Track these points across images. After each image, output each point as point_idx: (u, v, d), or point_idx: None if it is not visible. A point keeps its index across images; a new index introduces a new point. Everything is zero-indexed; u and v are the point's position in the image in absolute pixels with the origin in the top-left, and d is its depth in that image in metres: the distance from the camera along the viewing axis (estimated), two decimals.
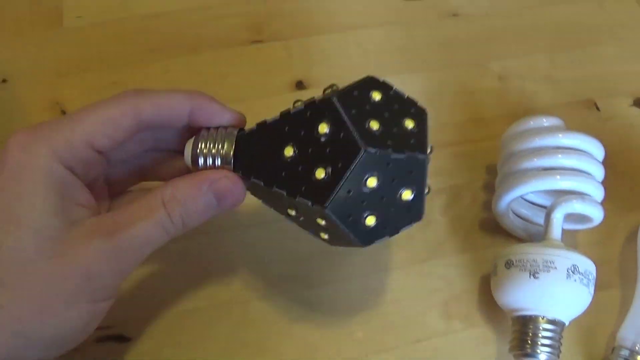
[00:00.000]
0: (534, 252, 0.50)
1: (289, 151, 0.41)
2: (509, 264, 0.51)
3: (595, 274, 0.51)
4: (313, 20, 0.72)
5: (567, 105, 0.68)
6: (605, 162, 0.55)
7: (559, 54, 0.72)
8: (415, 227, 0.54)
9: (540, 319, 0.49)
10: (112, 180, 0.48)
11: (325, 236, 0.44)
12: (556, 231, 0.52)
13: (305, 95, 0.47)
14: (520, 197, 0.54)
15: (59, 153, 0.40)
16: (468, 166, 0.62)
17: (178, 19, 0.70)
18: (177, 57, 0.67)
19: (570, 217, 0.54)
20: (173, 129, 0.47)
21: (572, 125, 0.58)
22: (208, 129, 0.45)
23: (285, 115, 0.43)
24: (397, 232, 0.43)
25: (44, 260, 0.38)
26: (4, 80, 0.65)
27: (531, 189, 0.53)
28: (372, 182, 0.40)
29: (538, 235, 0.57)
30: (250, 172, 0.43)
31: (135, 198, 0.45)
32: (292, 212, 0.43)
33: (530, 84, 0.69)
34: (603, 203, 0.54)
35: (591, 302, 0.51)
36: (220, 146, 0.44)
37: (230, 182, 0.43)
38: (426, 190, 0.44)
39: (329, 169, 0.40)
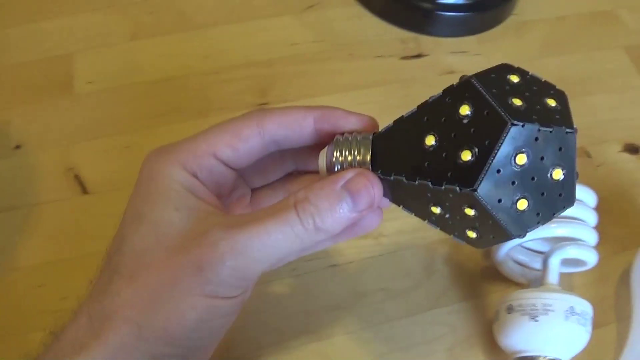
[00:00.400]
0: (533, 297, 0.53)
1: (430, 140, 0.38)
2: (510, 309, 0.53)
3: (592, 314, 0.54)
4: (316, 82, 0.74)
5: None
6: (599, 207, 0.58)
7: None
8: (420, 276, 0.57)
9: (541, 359, 0.52)
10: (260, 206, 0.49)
11: (473, 234, 0.40)
12: (553, 276, 0.55)
13: None
14: (518, 245, 0.57)
15: (183, 161, 0.41)
16: None
17: (186, 84, 0.73)
18: (186, 121, 0.69)
19: (566, 262, 0.57)
20: (308, 149, 0.46)
21: None
22: (342, 135, 0.43)
23: (422, 105, 0.40)
24: (551, 218, 0.39)
25: (161, 250, 0.39)
26: (18, 147, 0.67)
27: (529, 238, 0.55)
28: (521, 159, 0.36)
29: (536, 280, 0.59)
30: (390, 170, 0.40)
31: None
32: (437, 210, 0.40)
33: None
34: (597, 246, 0.56)
35: (590, 340, 0.53)
36: (356, 152, 0.42)
37: (366, 178, 0.40)
38: (576, 172, 0.39)
39: (475, 149, 0.36)
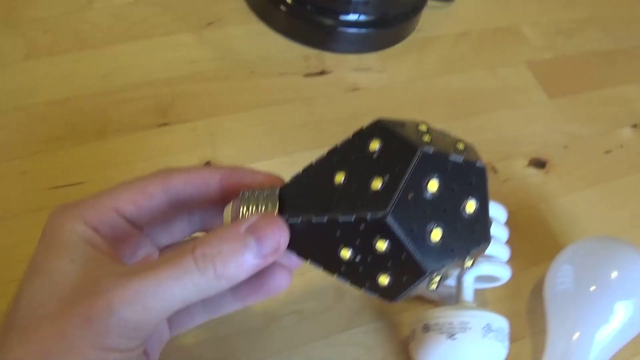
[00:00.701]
0: (449, 315, 0.52)
1: (339, 177, 0.38)
2: (426, 328, 0.52)
3: (508, 329, 0.53)
4: (218, 101, 0.73)
5: None
6: (507, 222, 0.58)
7: (456, 122, 0.75)
8: (332, 297, 0.56)
9: None
10: None
11: (386, 280, 0.38)
12: (468, 293, 0.55)
13: None
14: None
15: (84, 215, 0.40)
16: None
17: (84, 105, 0.70)
18: (83, 144, 0.67)
19: (480, 278, 0.56)
20: (215, 207, 0.45)
21: None
22: (248, 190, 0.42)
23: (332, 150, 0.40)
24: (468, 256, 0.38)
25: (53, 302, 0.37)
26: None
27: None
28: (433, 185, 0.36)
29: (449, 297, 0.59)
30: (298, 213, 0.39)
31: None
32: (347, 254, 0.38)
33: None
34: (508, 261, 0.56)
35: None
36: (262, 207, 0.40)
37: (271, 221, 0.38)
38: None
39: (387, 176, 0.36)
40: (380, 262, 0.37)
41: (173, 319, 0.46)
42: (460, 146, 0.39)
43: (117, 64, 0.74)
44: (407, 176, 0.35)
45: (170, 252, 0.38)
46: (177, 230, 0.48)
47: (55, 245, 0.39)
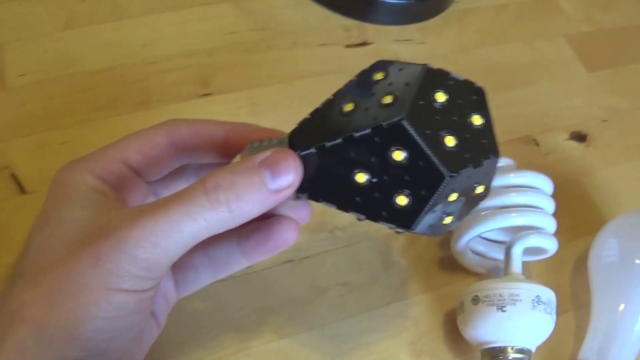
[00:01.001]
0: (499, 287, 0.52)
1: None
2: (475, 300, 0.52)
3: (555, 302, 0.54)
4: (259, 71, 0.72)
5: (508, 143, 0.71)
6: (552, 194, 0.58)
7: (496, 94, 0.74)
8: (378, 269, 0.58)
9: (510, 349, 0.51)
10: None
11: (404, 200, 0.38)
12: (517, 265, 0.55)
13: None
14: (477, 235, 0.56)
15: (91, 167, 0.40)
16: None
17: (124, 75, 0.70)
18: (125, 114, 0.66)
19: (527, 250, 0.56)
20: (221, 163, 0.44)
21: (516, 161, 0.61)
22: (255, 142, 0.42)
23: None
24: (481, 166, 0.38)
25: (62, 247, 0.37)
26: None
27: (489, 227, 0.55)
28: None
29: (494, 269, 0.59)
30: (310, 145, 0.38)
31: None
32: (363, 178, 0.38)
33: None
34: (555, 234, 0.56)
35: None
36: None
37: (285, 153, 0.38)
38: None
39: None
40: (398, 179, 0.37)
41: (179, 278, 0.46)
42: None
43: (156, 34, 0.73)
44: (416, 87, 0.37)
45: (182, 190, 0.37)
46: (183, 187, 0.48)
47: (64, 195, 0.39)
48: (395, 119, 0.35)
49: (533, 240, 0.55)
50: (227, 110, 0.68)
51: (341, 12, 0.79)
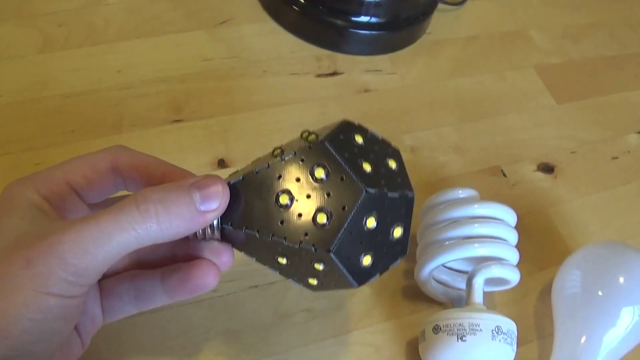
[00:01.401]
0: (459, 317, 0.53)
1: (284, 199, 0.40)
2: (436, 329, 0.53)
3: (516, 332, 0.54)
4: (231, 99, 0.73)
5: (476, 173, 0.72)
6: (516, 226, 0.59)
7: (465, 124, 0.76)
8: (342, 296, 0.58)
9: None
10: None
11: (315, 282, 0.42)
12: (478, 295, 0.55)
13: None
14: (441, 265, 0.57)
15: (37, 185, 0.41)
16: None
17: (98, 99, 0.70)
18: (98, 137, 0.67)
19: (489, 281, 0.57)
20: None
21: (482, 192, 0.61)
22: None
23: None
24: (386, 270, 0.42)
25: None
26: None
27: (452, 257, 0.55)
28: (371, 222, 0.39)
29: (458, 299, 0.60)
30: (242, 224, 0.41)
31: None
32: (283, 261, 0.42)
33: (440, 154, 0.73)
34: (517, 264, 0.57)
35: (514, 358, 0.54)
36: None
37: (215, 179, 0.40)
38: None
39: (330, 213, 0.39)
40: (314, 273, 0.41)
41: (105, 303, 0.46)
42: (392, 164, 0.42)
43: (131, 59, 0.74)
44: (350, 217, 0.38)
45: (116, 203, 0.39)
46: None
47: (6, 208, 0.40)
48: (324, 252, 0.38)
49: (495, 271, 0.55)
50: (198, 136, 0.69)
51: (313, 41, 0.80)
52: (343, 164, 0.39)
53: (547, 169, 0.74)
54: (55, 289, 0.37)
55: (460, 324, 0.52)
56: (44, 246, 0.36)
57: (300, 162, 0.40)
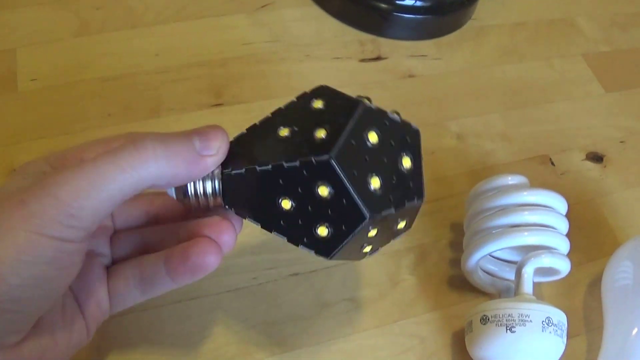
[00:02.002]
0: (509, 307, 0.51)
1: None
2: (484, 320, 0.51)
3: (567, 324, 0.52)
4: (271, 83, 0.72)
5: (523, 162, 0.70)
6: (566, 214, 0.57)
7: (513, 112, 0.74)
8: (386, 286, 0.57)
9: None
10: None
11: (325, 231, 0.40)
12: (528, 285, 0.53)
13: None
14: (488, 254, 0.55)
15: (50, 161, 0.41)
16: (433, 225, 0.63)
17: (136, 83, 0.69)
18: (135, 121, 0.66)
19: (539, 271, 0.55)
20: None
21: (530, 180, 0.59)
22: None
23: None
24: (403, 208, 0.41)
25: None
26: None
27: (500, 246, 0.53)
28: (373, 136, 0.39)
29: (505, 289, 0.58)
30: (242, 164, 0.40)
31: None
32: (288, 204, 0.40)
33: (487, 142, 0.71)
34: (567, 254, 0.55)
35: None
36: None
37: (216, 128, 0.41)
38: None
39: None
40: (321, 211, 0.39)
41: (110, 288, 0.45)
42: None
43: (169, 43, 0.73)
44: (350, 126, 0.38)
45: None
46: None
47: (14, 175, 0.39)
48: (325, 157, 0.37)
49: (545, 260, 0.54)
50: (238, 120, 0.67)
51: (356, 26, 0.79)
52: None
53: (596, 158, 0.72)
54: (51, 230, 0.36)
55: (509, 315, 0.50)
56: (39, 187, 0.36)
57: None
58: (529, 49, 0.82)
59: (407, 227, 0.43)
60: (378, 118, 0.40)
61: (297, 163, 0.38)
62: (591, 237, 0.65)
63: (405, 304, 0.58)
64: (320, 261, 0.58)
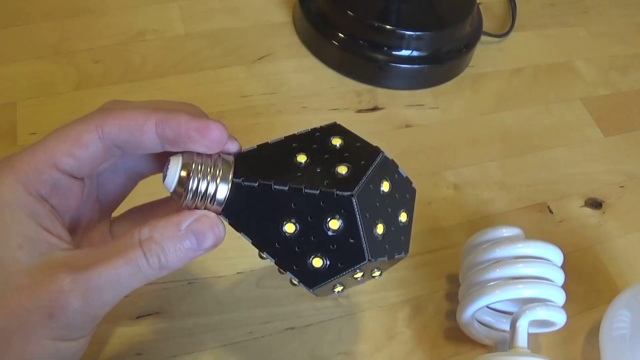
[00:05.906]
0: None
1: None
2: None
3: None
4: (269, 135, 0.67)
5: (521, 210, 0.70)
6: (563, 264, 0.56)
7: (510, 160, 0.74)
8: (381, 339, 0.58)
9: None
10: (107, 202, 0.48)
11: (319, 262, 0.41)
12: (522, 338, 0.53)
13: None
14: (484, 306, 0.55)
15: (24, 180, 0.39)
16: (429, 276, 0.63)
17: None
18: None
19: (534, 323, 0.55)
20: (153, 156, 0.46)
21: (527, 229, 0.59)
22: (191, 161, 0.41)
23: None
24: (392, 260, 0.42)
25: (8, 291, 0.37)
26: None
27: (496, 299, 0.53)
28: (386, 185, 0.41)
29: (502, 341, 0.58)
30: (256, 177, 0.40)
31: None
32: (292, 228, 0.40)
33: (484, 191, 0.71)
34: (564, 305, 0.55)
35: None
36: (218, 171, 0.41)
37: (210, 220, 0.41)
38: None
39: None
40: (323, 243, 0.40)
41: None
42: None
43: (167, 96, 0.73)
44: (370, 170, 0.40)
45: (118, 243, 0.40)
46: (120, 176, 0.48)
47: (2, 229, 0.38)
48: (347, 193, 0.39)
49: (540, 313, 0.53)
50: None
51: (353, 76, 0.79)
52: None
53: (595, 204, 0.72)
54: (73, 336, 0.40)
55: None
56: (66, 301, 0.37)
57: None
58: (527, 95, 0.82)
59: (379, 275, 0.45)
60: (391, 170, 0.42)
61: (317, 191, 0.39)
62: (590, 285, 0.65)
63: (401, 357, 0.58)
64: (316, 315, 0.59)
